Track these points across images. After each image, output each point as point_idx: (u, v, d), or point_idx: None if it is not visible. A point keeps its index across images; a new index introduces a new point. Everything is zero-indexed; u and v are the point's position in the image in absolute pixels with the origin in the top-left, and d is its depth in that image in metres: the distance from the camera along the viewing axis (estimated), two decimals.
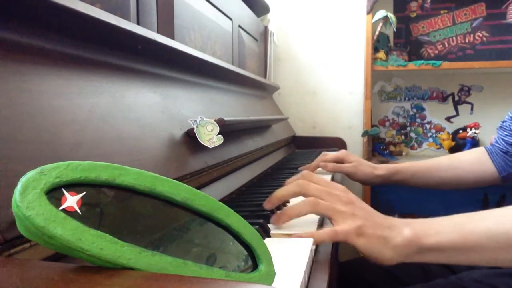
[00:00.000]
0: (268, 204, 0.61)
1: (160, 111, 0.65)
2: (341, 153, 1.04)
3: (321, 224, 0.64)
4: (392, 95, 1.98)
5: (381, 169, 0.98)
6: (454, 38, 1.87)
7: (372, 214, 0.54)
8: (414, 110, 1.97)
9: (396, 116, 1.99)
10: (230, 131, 0.86)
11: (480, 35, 1.84)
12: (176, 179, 0.41)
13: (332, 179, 1.03)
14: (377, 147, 1.84)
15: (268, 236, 0.57)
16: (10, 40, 0.42)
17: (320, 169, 1.05)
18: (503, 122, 0.93)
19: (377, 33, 1.68)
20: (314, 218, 0.64)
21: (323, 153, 1.10)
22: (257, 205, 0.70)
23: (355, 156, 1.03)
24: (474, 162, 0.93)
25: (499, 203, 1.72)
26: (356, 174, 0.99)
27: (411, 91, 1.96)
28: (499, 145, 0.91)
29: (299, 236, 0.53)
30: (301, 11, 1.87)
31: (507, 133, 0.91)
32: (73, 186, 0.27)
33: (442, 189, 0.99)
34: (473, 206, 1.69)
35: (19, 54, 0.43)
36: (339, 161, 1.03)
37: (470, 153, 0.97)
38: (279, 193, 0.60)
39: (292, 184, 0.59)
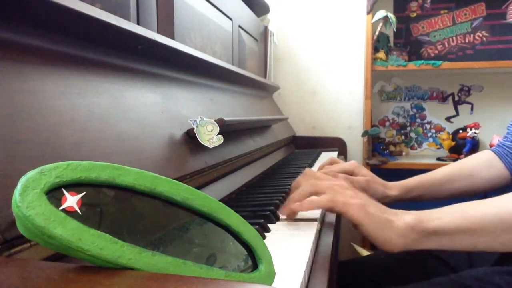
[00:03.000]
0: (286, 211, 0.61)
1: (160, 111, 0.65)
2: (351, 164, 0.95)
3: (322, 220, 0.64)
4: (392, 95, 1.98)
5: (393, 188, 0.90)
6: (454, 38, 1.87)
7: (373, 200, 0.56)
8: (414, 110, 1.97)
9: (396, 116, 1.99)
10: (230, 131, 0.86)
11: (480, 35, 1.84)
12: (176, 179, 0.41)
13: None
14: (377, 147, 1.84)
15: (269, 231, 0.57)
16: (10, 40, 0.42)
17: None
18: None
19: (377, 33, 1.68)
20: (316, 212, 0.64)
21: (324, 154, 1.06)
22: (257, 205, 0.70)
23: (366, 170, 0.94)
24: (485, 167, 0.89)
25: None
26: (367, 190, 0.89)
27: (411, 91, 1.96)
28: (509, 146, 0.87)
29: (299, 204, 0.55)
30: (301, 11, 1.87)
31: None
32: (73, 186, 0.27)
33: (457, 198, 0.92)
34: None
35: (19, 54, 0.43)
36: (349, 173, 0.93)
37: (478, 158, 0.92)
38: (295, 197, 0.61)
39: (303, 187, 0.60)
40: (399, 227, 0.52)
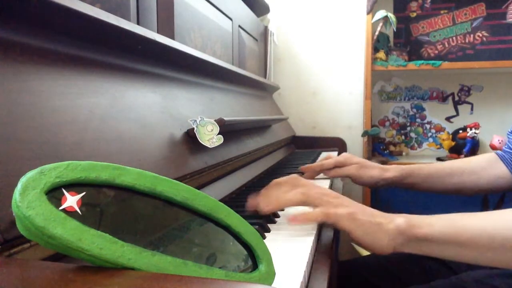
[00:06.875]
0: (266, 207, 0.61)
1: (160, 111, 0.65)
2: (342, 156, 0.94)
3: (320, 228, 0.64)
4: (392, 95, 1.98)
5: (391, 170, 0.89)
6: (454, 38, 1.87)
7: (363, 206, 0.57)
8: (414, 110, 1.97)
9: (396, 116, 1.99)
10: (230, 131, 0.86)
11: (480, 35, 1.84)
12: (176, 179, 0.41)
13: (331, 186, 1.00)
14: (377, 147, 1.84)
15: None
16: (10, 40, 0.42)
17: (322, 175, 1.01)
18: None
19: (377, 33, 1.68)
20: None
21: (323, 154, 1.05)
22: None
23: (358, 158, 0.93)
24: (487, 167, 0.88)
25: (499, 203, 1.71)
26: (361, 177, 0.89)
27: (411, 91, 1.96)
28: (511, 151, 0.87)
29: (294, 217, 0.55)
30: (301, 11, 1.87)
31: None
32: (73, 186, 0.27)
33: (455, 194, 0.92)
34: (473, 206, 1.69)
35: (19, 54, 0.43)
36: (340, 165, 0.93)
37: (481, 158, 0.91)
38: (282, 201, 0.61)
39: (293, 192, 0.60)
40: (388, 229, 0.53)
